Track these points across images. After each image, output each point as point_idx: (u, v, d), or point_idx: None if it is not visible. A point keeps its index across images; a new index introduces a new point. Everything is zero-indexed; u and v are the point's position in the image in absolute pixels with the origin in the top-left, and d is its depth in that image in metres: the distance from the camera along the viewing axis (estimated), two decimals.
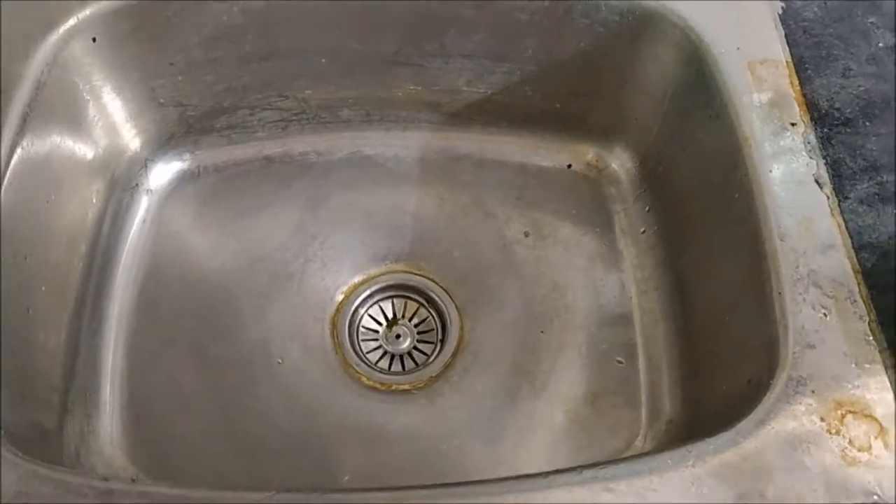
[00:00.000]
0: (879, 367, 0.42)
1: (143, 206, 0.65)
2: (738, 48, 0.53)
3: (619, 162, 0.68)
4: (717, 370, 0.53)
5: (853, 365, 0.42)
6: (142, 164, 0.65)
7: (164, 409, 0.58)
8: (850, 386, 0.42)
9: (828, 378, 0.42)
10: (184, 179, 0.67)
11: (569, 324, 0.63)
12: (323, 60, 0.63)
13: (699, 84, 0.55)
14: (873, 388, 0.41)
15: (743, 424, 0.41)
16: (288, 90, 0.66)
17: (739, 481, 0.38)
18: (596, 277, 0.65)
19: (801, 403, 0.41)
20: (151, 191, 0.66)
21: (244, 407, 0.59)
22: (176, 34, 0.58)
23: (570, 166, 0.70)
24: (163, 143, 0.66)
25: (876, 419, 0.41)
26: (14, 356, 0.48)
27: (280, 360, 0.61)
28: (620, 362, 0.61)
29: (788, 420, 0.40)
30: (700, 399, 0.55)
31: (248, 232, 0.66)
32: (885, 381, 0.42)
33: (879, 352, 0.42)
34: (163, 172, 0.66)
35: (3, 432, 0.41)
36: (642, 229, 0.66)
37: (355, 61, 0.63)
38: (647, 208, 0.66)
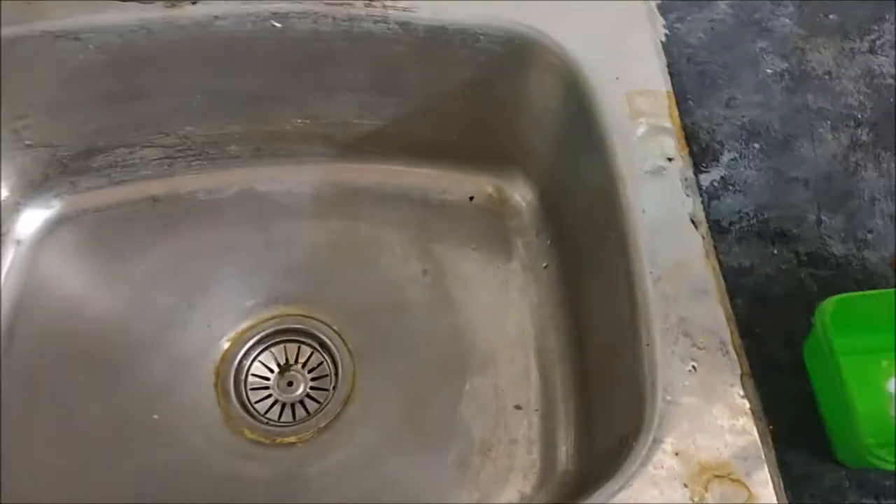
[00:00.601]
0: (750, 424, 0.39)
1: (8, 258, 0.61)
2: (617, 78, 0.50)
3: (521, 194, 0.65)
4: (606, 420, 0.50)
5: (721, 424, 0.39)
6: (12, 208, 0.62)
7: (46, 466, 0.55)
8: (717, 447, 0.39)
9: (692, 439, 0.39)
10: (59, 223, 0.63)
11: (466, 368, 0.60)
12: (198, 97, 0.60)
13: (580, 115, 0.52)
14: (742, 449, 0.38)
15: (607, 487, 0.38)
16: (167, 127, 0.62)
17: None
18: (496, 317, 0.62)
19: (662, 467, 0.38)
20: (20, 241, 0.62)
21: (119, 469, 0.55)
22: (31, 75, 0.55)
23: (472, 198, 0.67)
24: (36, 185, 0.62)
25: (743, 483, 0.38)
26: None
27: (157, 416, 0.57)
28: (518, 408, 0.58)
29: (648, 486, 0.37)
30: (593, 449, 0.52)
31: (127, 278, 0.62)
32: (755, 439, 0.39)
33: (751, 409, 0.40)
34: (34, 217, 0.63)
35: None
36: (544, 264, 0.63)
37: (231, 98, 0.60)
38: (548, 241, 0.63)
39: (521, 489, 0.55)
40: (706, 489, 0.37)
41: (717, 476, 0.38)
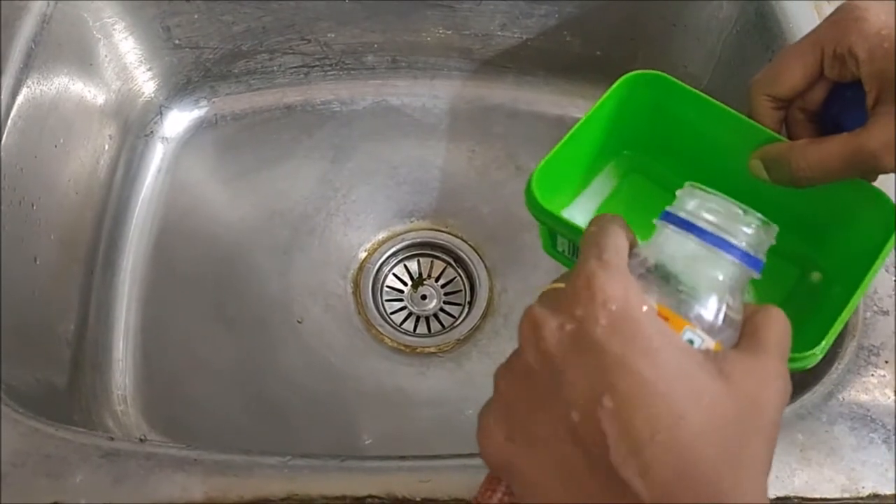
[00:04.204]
0: None
1: (158, 155, 0.61)
2: None
3: None
4: None
5: None
6: (157, 110, 0.62)
7: (180, 367, 0.56)
8: None
9: None
10: (201, 127, 0.64)
11: None
12: (346, 0, 0.58)
13: (758, 26, 0.50)
14: None
15: (808, 397, 0.37)
16: (310, 33, 0.62)
17: (805, 458, 0.35)
18: None
19: (872, 375, 0.37)
20: (167, 139, 0.62)
21: (262, 367, 0.56)
22: None
23: None
24: (179, 88, 0.62)
25: None
26: (20, 307, 0.45)
27: (300, 320, 0.58)
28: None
29: (859, 393, 0.36)
30: None
31: (268, 184, 0.62)
32: None
33: None
34: (179, 120, 0.63)
35: (2, 387, 0.38)
36: None
37: (380, 2, 0.59)
38: None
39: None
40: None
41: None
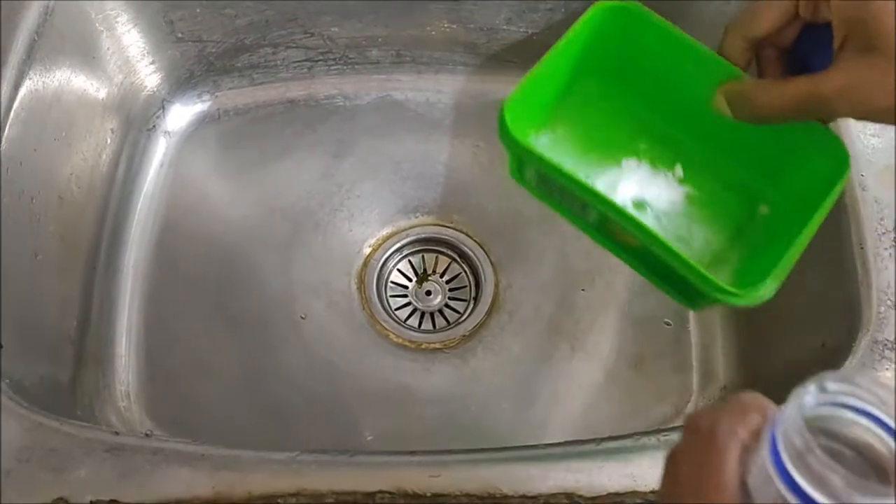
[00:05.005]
0: None
1: (160, 149, 0.61)
2: None
3: None
4: (780, 332, 0.48)
5: None
6: (159, 104, 0.61)
7: (183, 363, 0.55)
8: None
9: None
10: (204, 122, 0.63)
11: (612, 282, 0.58)
12: None
13: None
14: None
15: None
16: (313, 27, 0.61)
17: None
18: None
19: (887, 370, 0.36)
20: (170, 133, 0.62)
21: (265, 364, 0.56)
22: None
23: None
24: (181, 81, 0.62)
25: None
26: (21, 302, 0.44)
27: (303, 316, 0.57)
28: (668, 324, 0.57)
29: (876, 388, 0.36)
30: (759, 363, 0.51)
31: (271, 179, 0.62)
32: None
33: None
34: (181, 114, 0.62)
35: (5, 382, 0.38)
36: None
37: None
38: None
39: (676, 404, 0.54)
40: None
41: None
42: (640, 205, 0.36)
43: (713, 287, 0.30)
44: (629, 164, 0.37)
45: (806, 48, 0.32)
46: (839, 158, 0.32)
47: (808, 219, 0.31)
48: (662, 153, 0.37)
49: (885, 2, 0.28)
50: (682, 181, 0.36)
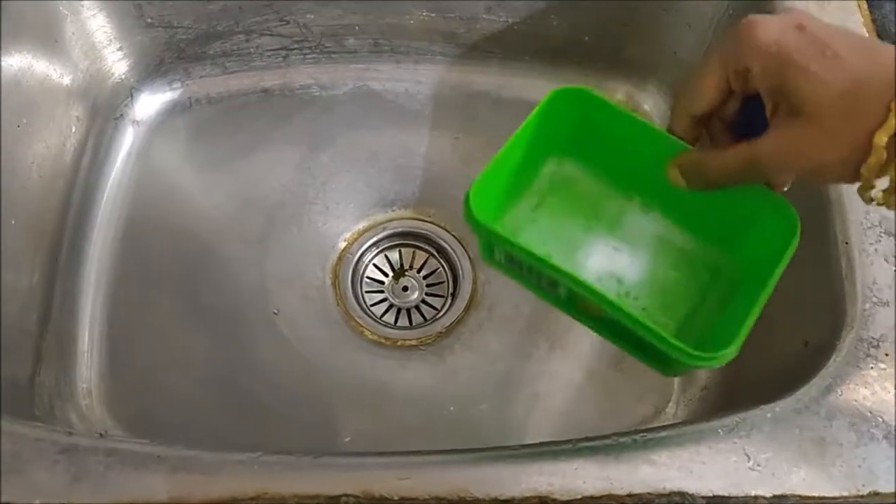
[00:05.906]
0: None
1: (128, 139, 0.59)
2: None
3: (653, 101, 0.62)
4: (762, 330, 0.47)
5: None
6: (127, 92, 0.59)
7: (149, 360, 0.53)
8: None
9: None
10: (174, 111, 0.61)
11: None
12: None
13: (752, 10, 0.48)
14: None
15: (805, 391, 0.35)
16: (288, 14, 0.59)
17: (802, 454, 0.33)
18: None
19: (872, 368, 0.35)
20: (138, 122, 0.60)
21: (236, 361, 0.54)
22: None
23: None
24: (151, 69, 0.60)
25: None
26: None
27: (276, 312, 0.56)
28: None
29: (859, 387, 0.35)
30: (741, 363, 0.49)
31: (244, 171, 0.60)
32: None
33: None
34: (150, 102, 0.60)
35: None
36: None
37: None
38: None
39: (656, 404, 0.53)
40: None
41: None
42: (608, 278, 0.37)
43: (683, 354, 0.31)
44: (594, 237, 0.39)
45: (749, 117, 0.34)
46: (789, 219, 0.33)
47: (767, 279, 0.32)
48: (625, 226, 0.39)
49: (801, 67, 0.29)
50: (647, 251, 0.38)
